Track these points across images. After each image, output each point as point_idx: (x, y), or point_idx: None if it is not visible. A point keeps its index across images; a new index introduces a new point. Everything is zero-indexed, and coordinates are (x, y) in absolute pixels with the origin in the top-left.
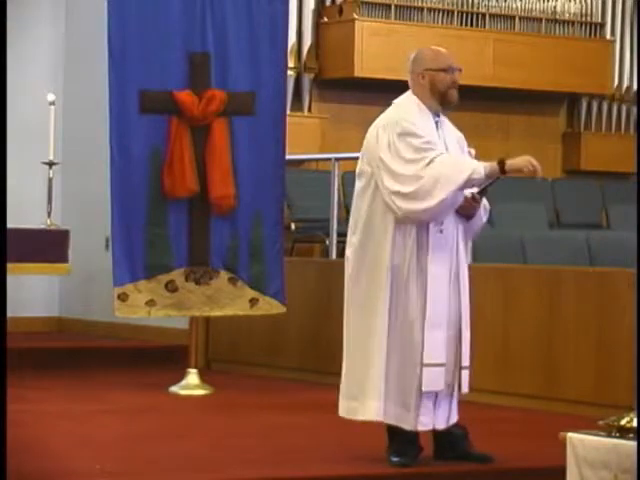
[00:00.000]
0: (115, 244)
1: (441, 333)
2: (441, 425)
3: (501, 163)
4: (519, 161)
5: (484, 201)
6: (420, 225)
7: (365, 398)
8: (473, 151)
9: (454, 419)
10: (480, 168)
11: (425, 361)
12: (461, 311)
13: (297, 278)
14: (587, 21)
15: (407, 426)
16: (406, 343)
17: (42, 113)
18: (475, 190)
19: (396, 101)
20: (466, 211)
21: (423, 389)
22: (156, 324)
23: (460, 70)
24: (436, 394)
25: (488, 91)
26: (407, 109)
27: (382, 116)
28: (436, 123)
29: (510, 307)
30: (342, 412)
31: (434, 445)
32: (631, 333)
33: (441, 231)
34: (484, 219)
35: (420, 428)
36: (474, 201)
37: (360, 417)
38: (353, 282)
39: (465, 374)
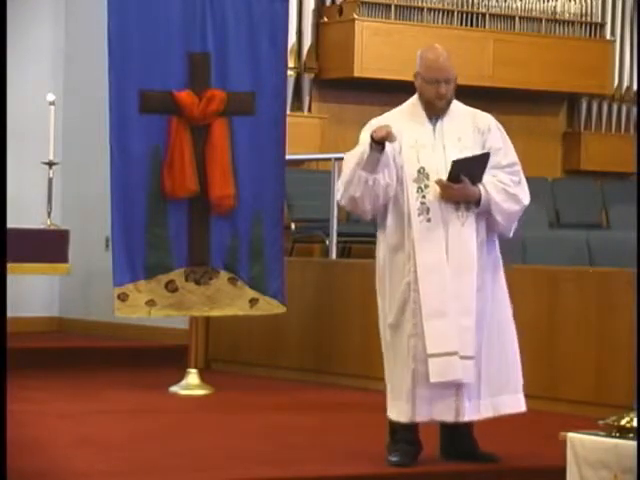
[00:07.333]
0: (115, 244)
1: (443, 322)
2: (448, 418)
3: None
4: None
5: (485, 191)
6: (403, 218)
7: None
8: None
9: (470, 416)
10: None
11: (430, 351)
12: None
13: (297, 278)
14: (587, 21)
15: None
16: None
17: (42, 113)
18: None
19: None
20: (449, 197)
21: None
22: (156, 324)
23: (450, 81)
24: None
25: (488, 91)
26: (393, 111)
27: None
28: (432, 120)
29: None
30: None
31: (441, 441)
32: (631, 333)
33: (429, 220)
34: (507, 206)
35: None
36: (447, 186)
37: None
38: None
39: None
